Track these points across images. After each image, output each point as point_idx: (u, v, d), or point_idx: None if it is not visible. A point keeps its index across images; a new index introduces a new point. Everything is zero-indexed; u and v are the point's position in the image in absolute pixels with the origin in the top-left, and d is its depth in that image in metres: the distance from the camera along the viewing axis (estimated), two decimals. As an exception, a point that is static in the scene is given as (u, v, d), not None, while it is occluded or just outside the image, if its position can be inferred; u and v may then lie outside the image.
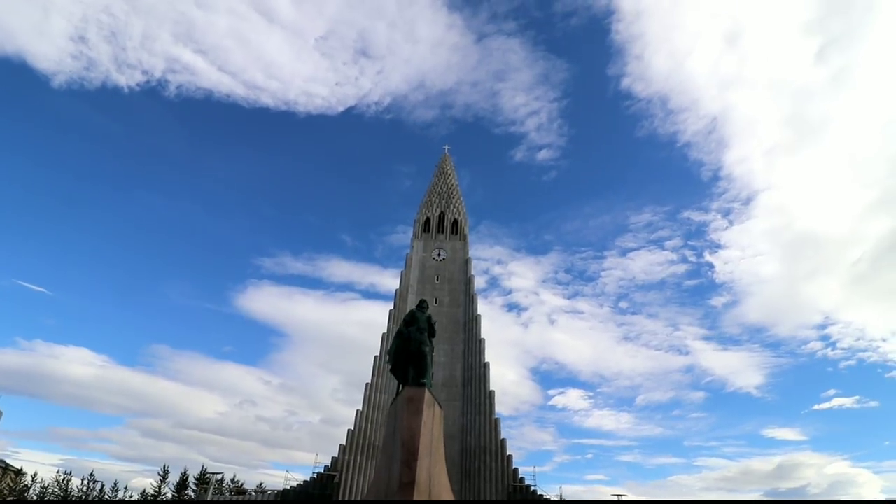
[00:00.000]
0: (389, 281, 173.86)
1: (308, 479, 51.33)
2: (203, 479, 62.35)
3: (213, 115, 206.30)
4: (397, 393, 13.96)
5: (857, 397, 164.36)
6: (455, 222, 74.54)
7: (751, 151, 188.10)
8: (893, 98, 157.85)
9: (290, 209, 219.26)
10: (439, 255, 70.91)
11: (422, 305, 14.62)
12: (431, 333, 14.05)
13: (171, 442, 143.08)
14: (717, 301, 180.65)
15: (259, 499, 49.78)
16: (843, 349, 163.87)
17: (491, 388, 57.66)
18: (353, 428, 54.13)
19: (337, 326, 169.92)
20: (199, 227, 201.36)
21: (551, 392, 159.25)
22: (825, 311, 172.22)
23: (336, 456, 52.77)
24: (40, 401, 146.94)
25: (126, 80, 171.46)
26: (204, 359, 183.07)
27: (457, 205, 76.90)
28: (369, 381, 57.40)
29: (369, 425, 54.74)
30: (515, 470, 53.35)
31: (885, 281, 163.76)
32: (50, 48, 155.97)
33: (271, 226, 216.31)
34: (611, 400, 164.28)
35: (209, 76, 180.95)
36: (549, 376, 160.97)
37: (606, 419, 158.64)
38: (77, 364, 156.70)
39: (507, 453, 53.93)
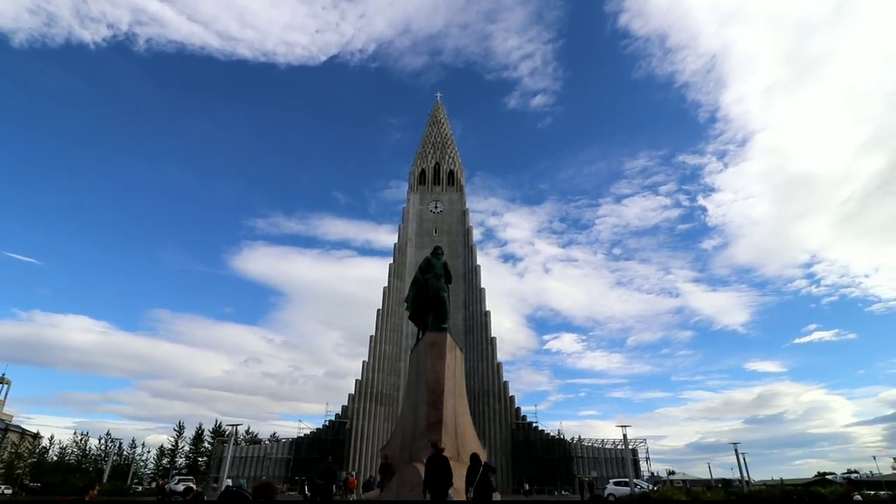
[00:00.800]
0: (385, 237, 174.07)
1: (320, 426, 53.39)
2: (218, 431, 64.69)
3: (189, 70, 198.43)
4: (418, 339, 14.32)
5: (836, 330, 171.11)
6: (451, 173, 73.71)
7: (749, 90, 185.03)
8: (891, 31, 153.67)
9: (279, 167, 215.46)
10: (436, 207, 70.57)
11: (437, 252, 14.71)
12: (448, 279, 14.24)
13: (180, 400, 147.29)
14: (708, 244, 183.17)
15: (274, 447, 51.88)
16: (826, 286, 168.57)
17: (492, 335, 59.20)
18: (360, 378, 55.79)
19: (335, 284, 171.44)
20: (187, 189, 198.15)
21: (546, 337, 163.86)
22: (812, 251, 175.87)
23: (346, 405, 54.72)
24: (47, 369, 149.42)
25: (91, 35, 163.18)
26: (205, 320, 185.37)
27: (452, 155, 75.75)
28: (373, 334, 58.57)
29: (376, 375, 56.41)
30: (517, 409, 55.74)
31: (872, 219, 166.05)
32: (4, 2, 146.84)
33: (260, 185, 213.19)
34: (603, 342, 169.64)
35: (179, 27, 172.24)
36: (545, 322, 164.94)
37: (599, 360, 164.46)
38: (78, 331, 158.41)
39: (510, 395, 56.13)
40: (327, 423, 53.30)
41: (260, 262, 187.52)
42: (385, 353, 58.15)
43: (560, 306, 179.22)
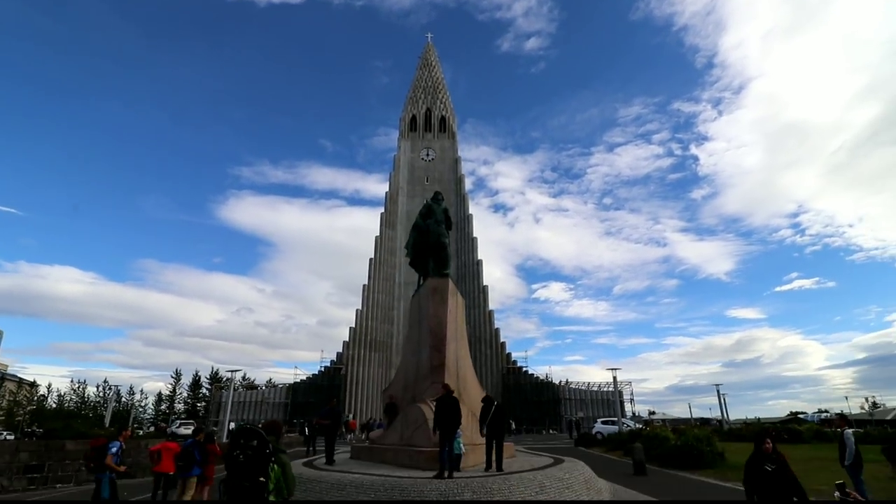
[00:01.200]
0: (374, 186, 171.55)
1: (315, 373, 54.68)
2: (215, 378, 65.97)
3: (163, 7, 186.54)
4: (419, 285, 14.25)
5: (816, 279, 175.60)
6: (443, 119, 71.85)
7: (748, 35, 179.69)
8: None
9: (262, 113, 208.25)
10: (427, 155, 69.25)
11: (437, 197, 14.38)
12: (448, 225, 14.01)
13: (174, 349, 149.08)
14: (698, 193, 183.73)
15: (271, 392, 53.22)
16: (811, 235, 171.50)
17: (484, 284, 59.94)
18: (354, 325, 56.64)
19: (324, 233, 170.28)
20: (167, 135, 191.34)
21: (535, 286, 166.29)
22: (799, 201, 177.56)
23: (340, 351, 55.87)
24: (38, 319, 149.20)
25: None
26: (194, 271, 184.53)
27: (443, 100, 73.56)
28: (366, 283, 58.94)
29: (369, 323, 57.27)
30: (508, 355, 57.45)
31: (860, 169, 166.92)
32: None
33: (244, 132, 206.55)
34: (590, 291, 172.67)
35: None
36: (534, 272, 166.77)
37: (585, 308, 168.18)
38: (66, 282, 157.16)
39: (501, 341, 57.64)
40: (323, 370, 54.57)
41: (248, 212, 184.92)
42: (378, 301, 58.79)
43: (549, 256, 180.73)
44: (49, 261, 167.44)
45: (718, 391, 37.24)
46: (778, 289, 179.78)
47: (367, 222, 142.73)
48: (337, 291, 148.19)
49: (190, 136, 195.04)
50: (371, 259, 60.40)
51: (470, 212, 65.21)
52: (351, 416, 49.23)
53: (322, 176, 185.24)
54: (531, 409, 53.45)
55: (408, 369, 13.66)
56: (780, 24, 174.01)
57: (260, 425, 4.39)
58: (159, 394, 70.70)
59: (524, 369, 56.57)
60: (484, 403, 10.75)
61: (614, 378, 26.65)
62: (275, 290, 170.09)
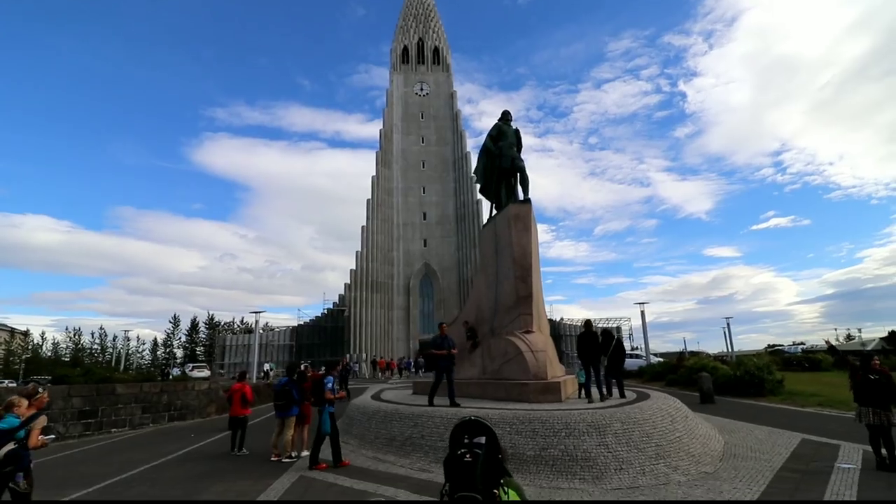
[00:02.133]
0: (356, 127, 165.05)
1: (305, 319, 54.39)
2: (212, 323, 65.27)
3: None
4: (491, 212, 13.32)
5: (792, 217, 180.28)
6: (436, 50, 67.78)
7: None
8: None
9: (232, 50, 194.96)
10: (422, 89, 65.84)
11: (507, 117, 13.15)
12: (519, 147, 12.92)
13: (158, 296, 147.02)
14: (683, 132, 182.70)
15: (277, 335, 52.93)
16: (791, 174, 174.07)
17: (484, 224, 59.24)
18: (354, 267, 55.82)
19: (305, 178, 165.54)
20: (129, 76, 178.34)
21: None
22: (783, 139, 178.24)
23: (343, 293, 55.36)
24: (15, 269, 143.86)
25: None
26: (172, 217, 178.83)
27: (436, 29, 69.08)
28: (364, 224, 57.57)
29: (369, 264, 56.46)
30: (510, 294, 57.92)
31: (845, 105, 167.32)
32: None
33: (215, 71, 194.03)
34: (571, 232, 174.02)
35: None
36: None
37: (566, 249, 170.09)
38: (41, 231, 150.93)
39: (503, 280, 57.85)
40: (326, 311, 54.22)
41: (224, 156, 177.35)
42: (377, 242, 57.75)
43: (532, 197, 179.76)
44: (21, 209, 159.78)
45: (728, 325, 38.27)
46: (754, 227, 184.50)
47: (348, 165, 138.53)
48: (320, 236, 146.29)
49: (152, 75, 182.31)
50: (368, 200, 58.67)
51: (468, 150, 63.18)
52: (376, 356, 49.61)
53: (301, 117, 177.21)
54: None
55: (481, 302, 13.02)
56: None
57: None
58: (154, 340, 70.13)
59: (526, 307, 57.24)
60: (604, 336, 10.59)
61: (642, 313, 26.81)
62: (257, 235, 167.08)
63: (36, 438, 4.45)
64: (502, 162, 12.64)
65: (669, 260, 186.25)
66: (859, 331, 76.92)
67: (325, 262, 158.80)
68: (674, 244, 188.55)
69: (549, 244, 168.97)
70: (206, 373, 35.62)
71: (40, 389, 4.90)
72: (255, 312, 29.54)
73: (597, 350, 10.05)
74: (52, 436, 5.21)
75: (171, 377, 30.01)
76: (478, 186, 13.73)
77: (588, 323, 10.67)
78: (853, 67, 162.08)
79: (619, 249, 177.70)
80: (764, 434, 9.93)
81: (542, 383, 9.95)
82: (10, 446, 4.29)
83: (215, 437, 12.23)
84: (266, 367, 36.12)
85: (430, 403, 10.07)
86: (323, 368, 9.05)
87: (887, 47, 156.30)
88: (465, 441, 3.18)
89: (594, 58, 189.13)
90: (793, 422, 11.40)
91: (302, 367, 9.82)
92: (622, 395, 10.44)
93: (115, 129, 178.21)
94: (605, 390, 10.12)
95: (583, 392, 10.61)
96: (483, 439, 3.16)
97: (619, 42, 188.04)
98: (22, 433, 4.38)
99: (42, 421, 4.60)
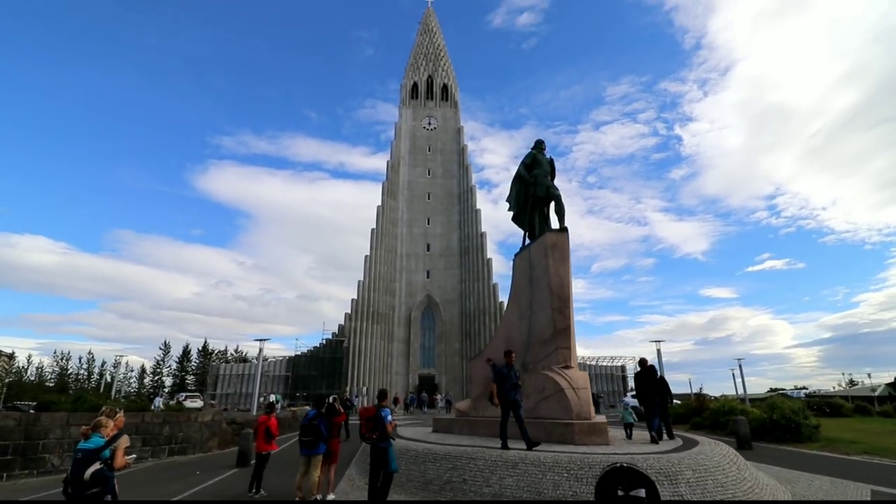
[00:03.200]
0: (360, 159, 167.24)
1: (318, 345, 53.02)
2: (206, 351, 63.63)
3: None
4: (524, 241, 12.85)
5: (787, 259, 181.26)
6: (445, 87, 69.17)
7: (736, 17, 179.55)
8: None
9: (244, 81, 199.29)
10: (430, 123, 66.79)
11: (540, 146, 12.91)
12: (552, 176, 12.61)
13: (149, 322, 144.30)
14: (679, 174, 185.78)
15: (272, 365, 51.42)
16: (786, 217, 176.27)
17: (488, 257, 58.82)
18: (356, 297, 54.93)
19: (307, 206, 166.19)
20: (143, 103, 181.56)
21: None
22: (777, 183, 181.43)
23: (342, 324, 54.22)
24: (5, 289, 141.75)
25: None
26: (171, 242, 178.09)
27: (445, 67, 70.72)
28: (368, 254, 57.05)
29: (371, 294, 55.61)
30: (513, 329, 56.89)
31: (836, 153, 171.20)
32: None
33: (225, 101, 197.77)
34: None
35: None
36: (515, 249, 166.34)
37: None
38: (36, 252, 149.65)
39: (505, 315, 56.89)
40: (324, 342, 52.96)
41: (229, 183, 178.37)
42: (380, 272, 57.08)
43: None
44: (19, 229, 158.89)
45: (741, 366, 37.38)
46: (750, 269, 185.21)
47: (351, 196, 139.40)
48: (318, 266, 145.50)
49: (168, 105, 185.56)
50: (372, 229, 58.38)
51: (473, 183, 63.48)
52: (365, 389, 48.18)
53: (306, 147, 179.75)
54: (536, 382, 53.26)
55: (511, 334, 12.36)
56: (768, 8, 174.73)
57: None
58: (142, 367, 68.04)
59: (529, 343, 56.21)
60: (647, 370, 9.99)
61: (658, 351, 26.05)
62: (255, 263, 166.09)
63: (121, 458, 4.35)
64: (537, 190, 12.28)
65: (667, 299, 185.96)
66: (869, 375, 75.79)
67: (321, 291, 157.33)
68: (671, 283, 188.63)
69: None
70: (198, 403, 34.22)
71: (118, 410, 4.77)
72: (260, 340, 28.58)
73: (656, 389, 9.44)
74: (134, 455, 4.96)
75: (158, 408, 28.64)
76: (510, 214, 13.29)
77: (644, 361, 10.46)
78: (843, 117, 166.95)
79: (616, 287, 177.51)
80: (826, 484, 9.17)
81: (588, 423, 9.23)
82: (97, 466, 4.21)
83: (223, 476, 11.29)
84: (272, 398, 34.80)
85: (504, 447, 8.50)
86: (375, 401, 8.28)
87: (876, 99, 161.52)
88: (621, 494, 2.56)
89: (593, 101, 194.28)
90: (847, 471, 10.64)
91: (330, 399, 9.05)
92: (671, 437, 9.78)
93: (121, 153, 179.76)
94: (658, 433, 9.46)
95: (627, 432, 9.95)
96: (643, 492, 2.53)
97: (617, 87, 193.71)
98: (107, 453, 4.29)
99: (125, 440, 4.47)
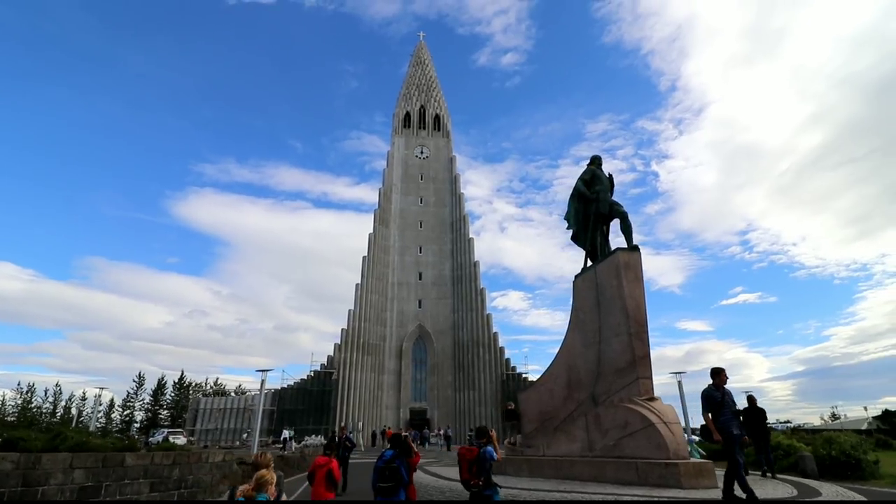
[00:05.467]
0: (343, 189, 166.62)
1: (305, 376, 50.50)
2: (182, 384, 60.23)
3: (129, 2, 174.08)
4: (585, 262, 12.01)
5: (759, 293, 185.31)
6: (437, 118, 69.65)
7: (708, 62, 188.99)
8: (846, 13, 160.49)
9: (229, 110, 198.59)
10: (422, 152, 66.74)
11: (598, 162, 12.29)
12: (611, 192, 11.96)
13: (116, 353, 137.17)
14: (655, 208, 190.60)
15: (249, 398, 48.56)
16: (758, 252, 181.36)
17: (481, 286, 57.87)
18: (346, 327, 52.99)
19: (287, 235, 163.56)
20: (122, 128, 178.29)
21: (494, 294, 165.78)
22: (749, 219, 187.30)
23: (332, 354, 51.99)
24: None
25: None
26: (145, 270, 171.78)
27: (437, 98, 71.42)
28: (359, 282, 55.46)
29: (362, 324, 53.76)
30: (508, 360, 55.48)
31: (804, 191, 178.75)
32: None
33: (209, 129, 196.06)
34: (548, 300, 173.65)
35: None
36: (496, 280, 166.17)
37: (542, 317, 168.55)
38: (2, 279, 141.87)
39: (500, 346, 55.57)
40: (312, 374, 50.52)
41: (208, 211, 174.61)
42: (371, 301, 55.43)
43: (513, 265, 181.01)
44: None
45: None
46: (724, 302, 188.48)
47: (332, 226, 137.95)
48: (296, 295, 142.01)
49: (146, 129, 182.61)
50: (364, 257, 57.04)
51: (465, 212, 63.14)
52: (360, 424, 45.74)
53: (290, 176, 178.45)
54: (532, 416, 51.59)
55: (575, 362, 11.35)
56: (738, 55, 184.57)
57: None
58: (111, 400, 63.66)
59: (524, 376, 54.79)
60: (750, 405, 9.05)
61: (679, 383, 25.26)
62: (231, 292, 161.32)
63: None
64: (599, 207, 11.58)
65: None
66: (835, 408, 76.25)
67: (298, 322, 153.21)
68: (649, 315, 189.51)
69: (526, 312, 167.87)
70: (182, 440, 31.62)
71: (270, 459, 4.04)
72: (262, 371, 26.73)
73: (764, 428, 8.58)
74: None
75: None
76: (570, 233, 12.50)
77: (753, 399, 10.02)
78: (810, 157, 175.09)
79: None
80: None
81: (693, 464, 8.23)
82: None
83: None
84: (285, 433, 32.62)
85: (730, 500, 6.58)
86: (469, 438, 7.09)
87: (840, 141, 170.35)
88: None
89: (574, 137, 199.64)
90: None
91: (403, 434, 7.82)
92: (773, 476, 8.85)
93: (98, 179, 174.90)
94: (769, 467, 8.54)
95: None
96: None
97: (597, 124, 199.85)
98: None
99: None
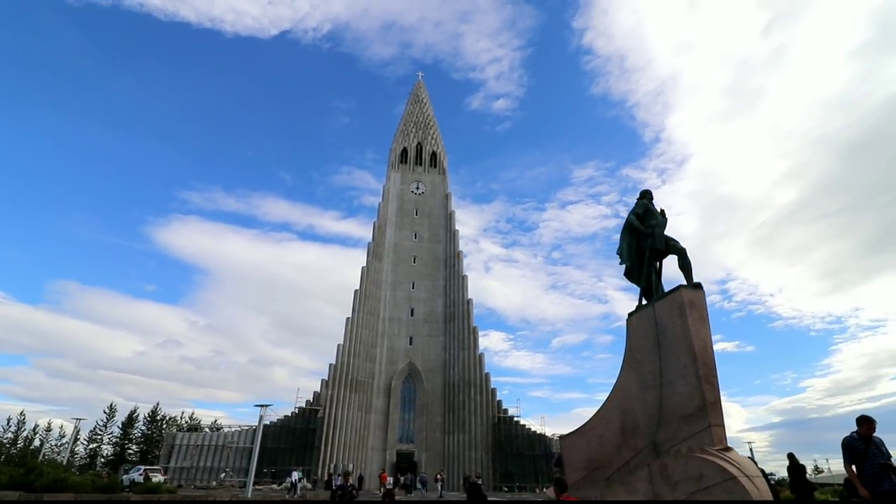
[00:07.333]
0: (330, 223, 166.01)
1: (289, 413, 48.10)
2: (154, 417, 56.99)
3: (122, 26, 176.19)
4: (640, 299, 11.54)
5: (737, 342, 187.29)
6: (434, 155, 70.43)
7: (691, 117, 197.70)
8: (818, 77, 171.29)
9: (219, 140, 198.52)
10: (418, 188, 67.00)
11: (648, 195, 12.07)
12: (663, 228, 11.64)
13: (81, 382, 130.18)
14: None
15: (237, 436, 45.95)
16: (737, 302, 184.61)
17: (474, 325, 56.87)
18: (334, 362, 51.14)
19: (270, 266, 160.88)
20: (108, 153, 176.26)
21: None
22: (728, 269, 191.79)
23: (318, 391, 49.83)
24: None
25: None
26: (119, 297, 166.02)
27: (434, 136, 72.47)
28: (350, 316, 54.03)
29: (351, 360, 51.99)
30: (499, 402, 53.93)
31: (781, 243, 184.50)
32: None
33: (198, 157, 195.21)
34: (529, 342, 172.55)
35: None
36: (479, 320, 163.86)
37: (523, 359, 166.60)
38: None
39: (491, 387, 54.13)
40: (296, 411, 48.19)
41: (189, 239, 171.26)
42: (360, 336, 53.87)
43: (496, 305, 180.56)
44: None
45: (751, 449, 36.04)
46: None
47: (318, 259, 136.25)
48: (274, 329, 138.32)
49: (131, 154, 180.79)
50: (356, 291, 55.83)
51: (459, 249, 62.86)
52: (350, 466, 43.37)
53: (277, 208, 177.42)
54: (524, 462, 49.82)
55: (632, 406, 10.66)
56: (719, 111, 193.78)
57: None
58: (75, 432, 59.46)
59: (516, 419, 53.22)
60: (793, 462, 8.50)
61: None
62: (208, 322, 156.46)
63: None
64: (655, 243, 11.24)
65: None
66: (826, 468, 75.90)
67: (274, 356, 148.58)
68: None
69: (507, 353, 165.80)
70: (159, 477, 29.29)
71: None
72: (261, 406, 25.09)
73: (806, 484, 8.04)
74: None
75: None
76: (623, 268, 12.08)
77: (793, 456, 9.01)
78: (785, 211, 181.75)
79: (574, 363, 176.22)
80: None
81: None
82: None
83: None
84: (294, 476, 30.54)
85: None
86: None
87: (813, 197, 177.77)
88: None
89: (560, 181, 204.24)
90: None
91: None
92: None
93: (78, 202, 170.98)
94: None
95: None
96: None
97: (583, 170, 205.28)
98: None
99: None
